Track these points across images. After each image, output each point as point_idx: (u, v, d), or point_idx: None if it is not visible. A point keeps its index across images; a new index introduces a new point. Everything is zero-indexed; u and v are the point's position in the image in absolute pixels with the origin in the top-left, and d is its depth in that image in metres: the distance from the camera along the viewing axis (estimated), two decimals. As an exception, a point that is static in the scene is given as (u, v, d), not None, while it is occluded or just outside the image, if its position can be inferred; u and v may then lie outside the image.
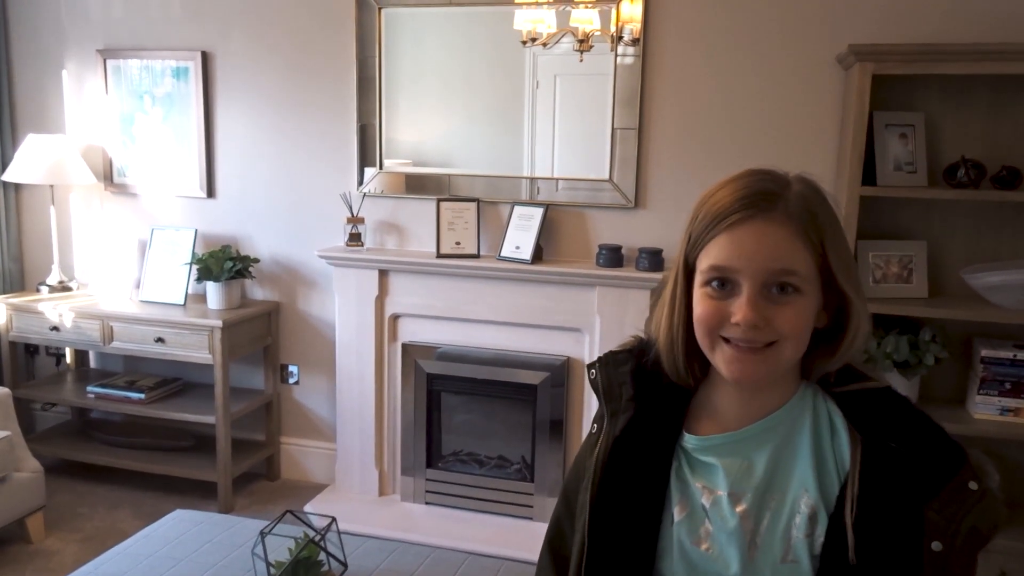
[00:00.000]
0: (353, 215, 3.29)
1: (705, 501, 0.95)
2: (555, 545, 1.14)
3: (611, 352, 1.07)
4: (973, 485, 0.88)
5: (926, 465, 0.89)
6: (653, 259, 2.91)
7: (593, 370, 1.08)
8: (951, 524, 0.86)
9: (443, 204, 3.17)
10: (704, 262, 0.92)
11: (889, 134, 2.70)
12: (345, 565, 1.96)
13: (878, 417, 0.92)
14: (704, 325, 0.93)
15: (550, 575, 1.14)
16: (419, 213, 3.30)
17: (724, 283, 0.91)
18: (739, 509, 0.93)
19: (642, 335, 1.08)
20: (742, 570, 0.92)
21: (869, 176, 2.64)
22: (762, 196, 0.90)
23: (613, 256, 2.98)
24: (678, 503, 0.97)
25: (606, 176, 3.08)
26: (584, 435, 3.11)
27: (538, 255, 3.07)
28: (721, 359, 0.92)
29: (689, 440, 0.99)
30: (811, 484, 0.90)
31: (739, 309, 0.89)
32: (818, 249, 0.89)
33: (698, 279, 0.94)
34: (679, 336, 0.97)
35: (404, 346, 3.28)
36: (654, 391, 1.02)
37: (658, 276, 2.88)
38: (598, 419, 1.06)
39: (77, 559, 2.84)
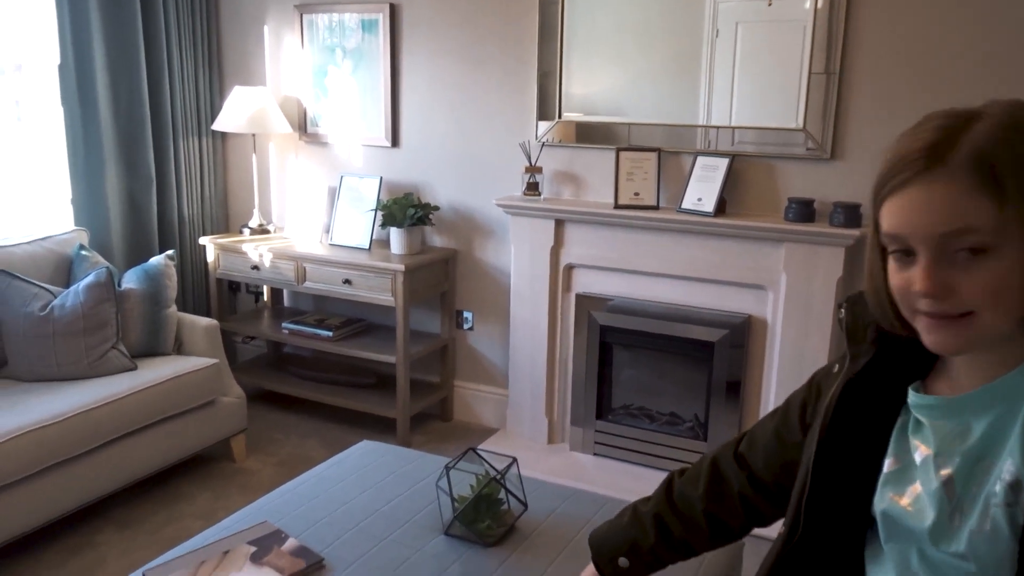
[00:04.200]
0: (531, 164, 3.29)
1: (918, 459, 0.90)
2: (737, 451, 1.19)
3: (862, 291, 0.99)
4: None
5: None
6: (850, 214, 2.71)
7: (843, 308, 1.03)
8: None
9: (623, 154, 3.10)
10: (883, 226, 0.85)
11: None
12: (525, 505, 1.99)
13: None
14: (896, 295, 0.86)
15: (703, 479, 1.21)
16: (596, 163, 3.26)
17: (907, 251, 0.83)
18: (943, 472, 0.86)
19: None
20: (937, 531, 0.85)
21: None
22: (927, 151, 0.80)
23: (804, 210, 2.80)
24: (892, 456, 0.93)
25: (796, 125, 2.89)
26: (763, 399, 3.00)
27: (721, 208, 2.95)
28: (921, 328, 0.85)
29: (912, 397, 0.93)
30: (1017, 451, 0.80)
31: (917, 279, 0.81)
32: (1011, 196, 0.76)
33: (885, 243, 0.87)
34: (884, 300, 0.90)
35: (578, 297, 3.28)
36: (899, 338, 0.93)
37: (854, 232, 2.69)
38: (840, 359, 1.03)
39: (273, 480, 3.09)
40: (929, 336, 0.84)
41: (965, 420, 0.86)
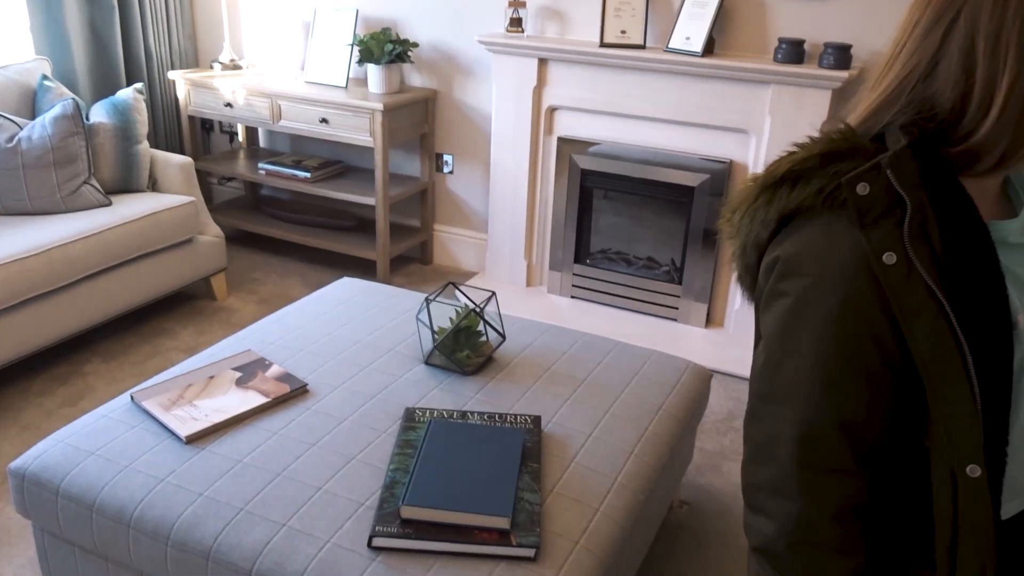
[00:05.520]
0: (515, -2, 3.15)
1: None
2: (850, 469, 0.81)
3: (896, 153, 0.79)
4: None
5: None
6: (840, 56, 2.65)
7: (866, 183, 0.78)
8: None
9: (611, -12, 2.97)
10: None
11: None
12: (503, 336, 2.04)
13: None
14: None
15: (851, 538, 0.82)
16: (584, -2, 3.12)
17: None
18: None
19: (843, 124, 0.86)
20: None
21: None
22: None
23: (794, 51, 2.73)
24: None
25: (795, -40, 2.76)
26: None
27: (709, 48, 2.86)
28: None
29: (1005, 228, 0.82)
30: None
31: None
32: None
33: None
34: None
35: (560, 140, 3.23)
36: (932, 188, 0.79)
37: (842, 75, 2.63)
38: (889, 245, 0.77)
39: (255, 317, 3.14)
40: None
41: None
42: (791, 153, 0.85)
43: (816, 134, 0.86)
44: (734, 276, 0.93)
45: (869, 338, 0.78)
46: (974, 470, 0.78)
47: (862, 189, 0.78)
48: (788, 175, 0.83)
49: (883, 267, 0.77)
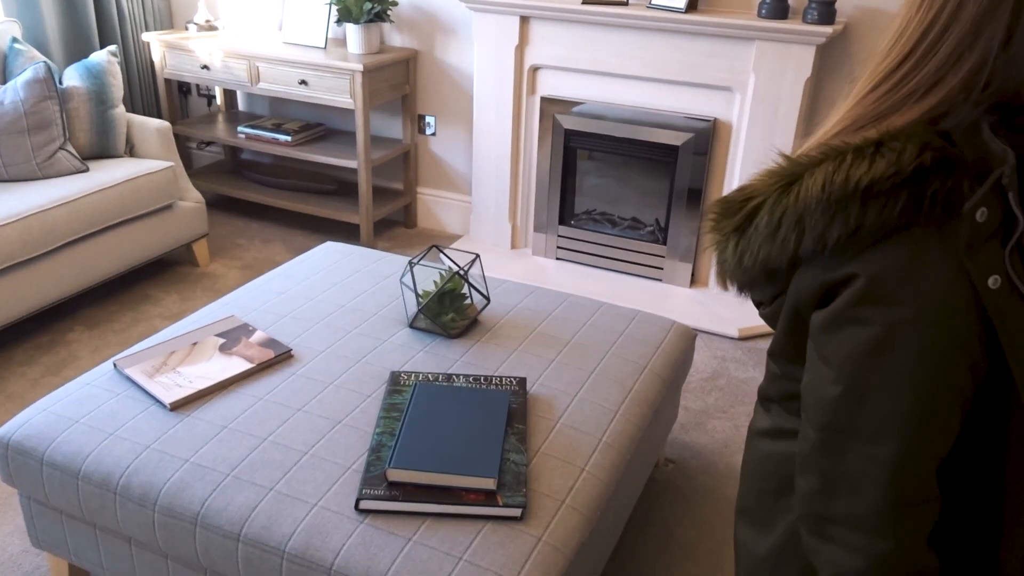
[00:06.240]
0: (495, -46, 3.08)
1: None
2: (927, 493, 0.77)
3: (1012, 168, 0.71)
4: None
5: None
6: (824, 10, 2.62)
7: (985, 208, 0.71)
8: None
9: (593, -57, 2.91)
10: None
11: None
12: (488, 299, 2.04)
13: None
14: None
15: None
16: (566, -46, 3.06)
17: None
18: None
19: (922, 127, 0.74)
20: None
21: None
22: None
23: (778, 6, 2.70)
24: None
25: (780, -88, 2.71)
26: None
27: (693, 4, 2.82)
28: None
29: None
30: None
31: None
32: None
33: None
34: None
35: (543, 100, 3.20)
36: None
37: (827, 30, 2.61)
38: (992, 266, 0.71)
39: (238, 283, 3.11)
40: None
41: None
42: (857, 159, 0.74)
43: (874, 136, 0.76)
44: (719, 262, 0.86)
45: (968, 368, 0.73)
46: None
47: (981, 216, 0.70)
48: (867, 190, 0.72)
49: (988, 291, 0.71)
